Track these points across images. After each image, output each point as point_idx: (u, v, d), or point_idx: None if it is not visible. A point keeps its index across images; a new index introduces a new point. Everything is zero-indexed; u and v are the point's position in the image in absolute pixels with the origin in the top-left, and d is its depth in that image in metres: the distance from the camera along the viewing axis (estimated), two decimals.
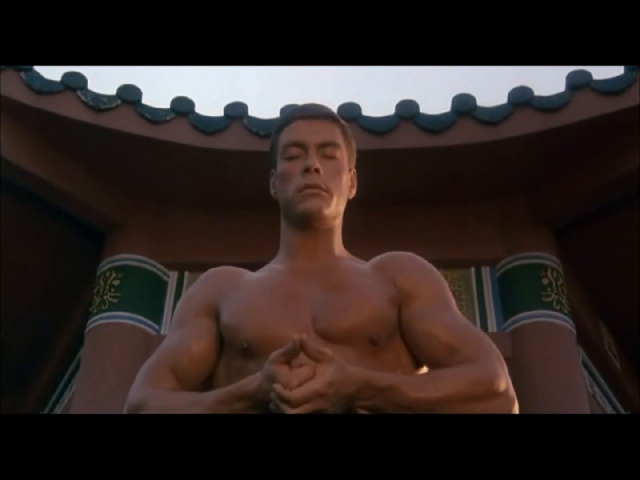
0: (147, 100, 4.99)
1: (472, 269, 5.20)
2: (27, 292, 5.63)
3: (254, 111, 5.05)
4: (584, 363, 5.27)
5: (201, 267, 5.38)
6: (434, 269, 1.84)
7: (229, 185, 5.15)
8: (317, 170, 1.79)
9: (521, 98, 4.91)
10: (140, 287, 5.11)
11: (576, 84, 4.84)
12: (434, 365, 1.67)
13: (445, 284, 1.83)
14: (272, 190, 1.93)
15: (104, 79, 5.13)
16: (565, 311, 5.00)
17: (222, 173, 5.07)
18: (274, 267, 1.85)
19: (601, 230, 5.28)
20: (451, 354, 1.63)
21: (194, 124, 4.96)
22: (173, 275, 5.24)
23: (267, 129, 4.83)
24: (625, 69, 4.77)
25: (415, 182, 5.12)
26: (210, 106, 5.16)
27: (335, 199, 1.82)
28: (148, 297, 5.10)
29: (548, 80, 5.16)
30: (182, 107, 5.01)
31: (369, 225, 4.95)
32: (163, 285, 5.19)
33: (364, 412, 1.53)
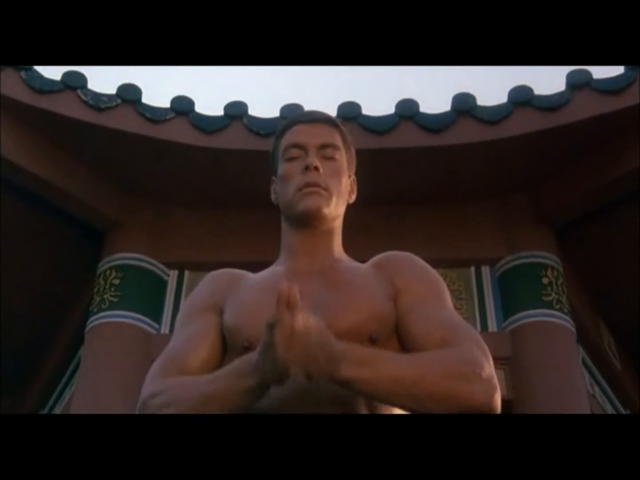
0: (147, 99, 4.99)
1: (472, 268, 5.20)
2: (27, 291, 5.63)
3: (254, 110, 5.06)
4: (584, 362, 5.27)
5: (201, 266, 5.46)
6: (432, 269, 1.85)
7: (229, 184, 5.15)
8: (316, 169, 1.81)
9: (521, 97, 4.91)
10: (140, 286, 5.12)
11: (576, 83, 4.84)
12: None
13: (443, 284, 1.83)
14: (272, 196, 1.94)
15: (104, 78, 5.14)
16: (566, 310, 5.00)
17: (222, 172, 5.07)
18: (275, 268, 1.87)
19: (601, 229, 5.28)
20: (438, 346, 1.63)
21: (194, 123, 4.96)
22: (173, 274, 5.24)
23: (267, 128, 4.84)
24: (625, 69, 4.77)
25: (415, 181, 5.12)
26: (210, 105, 5.17)
27: (334, 199, 1.84)
28: (148, 296, 5.11)
29: (548, 79, 5.16)
30: (182, 106, 5.01)
31: (368, 224, 4.95)
32: (163, 284, 5.19)
33: (346, 387, 1.53)
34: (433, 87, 11.91)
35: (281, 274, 1.81)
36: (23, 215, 5.19)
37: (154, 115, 4.92)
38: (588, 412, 4.62)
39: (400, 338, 1.71)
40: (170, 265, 5.25)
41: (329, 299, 1.71)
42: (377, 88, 11.63)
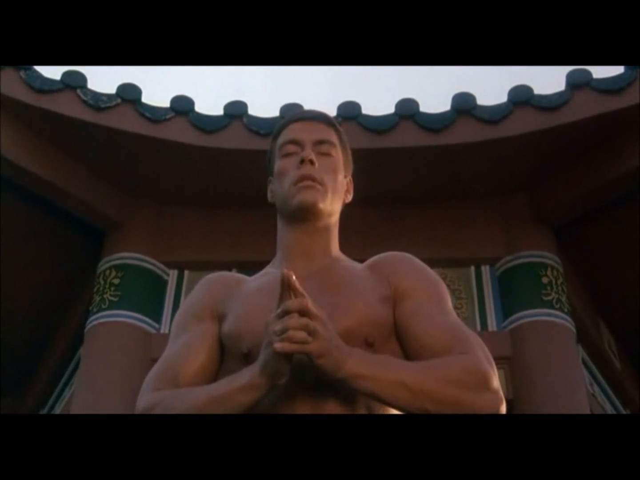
0: (147, 99, 5.00)
1: (472, 268, 5.20)
2: (27, 291, 5.63)
3: (254, 110, 5.07)
4: (583, 362, 5.27)
5: (201, 266, 5.46)
6: (430, 269, 1.84)
7: (229, 184, 5.16)
8: (312, 162, 1.81)
9: (521, 97, 4.92)
10: (140, 286, 5.12)
11: (576, 83, 4.84)
12: None
13: (442, 284, 1.82)
14: (269, 195, 1.94)
15: (103, 78, 5.14)
16: (565, 310, 5.00)
17: (222, 172, 5.07)
18: (271, 270, 1.85)
19: (601, 228, 5.28)
20: (444, 352, 1.63)
21: (193, 123, 4.96)
22: (173, 274, 5.24)
23: (267, 128, 4.84)
24: (625, 68, 4.77)
25: (415, 181, 5.12)
26: (210, 105, 5.17)
27: (330, 194, 1.83)
28: (148, 295, 5.11)
29: (548, 79, 5.18)
30: (182, 105, 5.01)
31: (368, 223, 4.95)
32: (163, 283, 5.19)
33: (351, 383, 1.53)
34: (433, 87, 11.91)
35: (278, 277, 1.80)
36: (23, 215, 5.19)
37: (153, 115, 4.92)
38: (588, 412, 4.62)
39: (402, 342, 1.71)
40: (170, 265, 5.25)
41: (326, 303, 1.68)
42: (377, 88, 11.63)
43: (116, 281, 5.10)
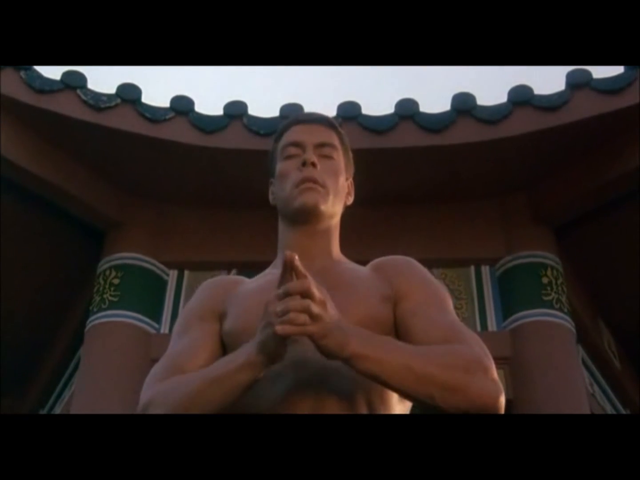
0: (147, 99, 5.00)
1: (472, 268, 5.20)
2: (27, 291, 5.63)
3: (254, 110, 5.07)
4: (583, 362, 5.27)
5: (201, 266, 5.46)
6: (430, 274, 1.85)
7: (229, 184, 5.16)
8: (313, 165, 1.82)
9: (521, 97, 4.92)
10: (140, 286, 5.12)
11: (576, 83, 4.84)
12: None
13: (443, 287, 1.83)
14: (270, 197, 1.94)
15: (103, 78, 5.14)
16: (565, 310, 5.00)
17: (222, 172, 5.07)
18: (272, 271, 1.86)
19: (601, 228, 5.28)
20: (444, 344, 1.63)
21: (193, 123, 4.96)
22: (173, 274, 5.24)
23: (267, 128, 4.84)
24: (625, 68, 4.77)
25: (415, 181, 5.12)
26: (210, 105, 5.17)
27: (331, 196, 1.84)
28: (148, 295, 5.11)
29: (548, 79, 5.18)
30: (182, 105, 5.01)
31: (368, 224, 4.95)
32: (163, 283, 5.19)
33: (354, 364, 1.52)
34: (433, 87, 11.91)
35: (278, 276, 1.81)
36: (23, 215, 5.19)
37: (153, 115, 4.92)
38: (588, 412, 4.63)
39: (402, 341, 1.71)
40: (170, 265, 5.25)
41: None
42: (377, 88, 11.64)
43: (116, 281, 5.10)
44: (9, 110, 4.72)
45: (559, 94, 4.87)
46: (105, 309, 5.01)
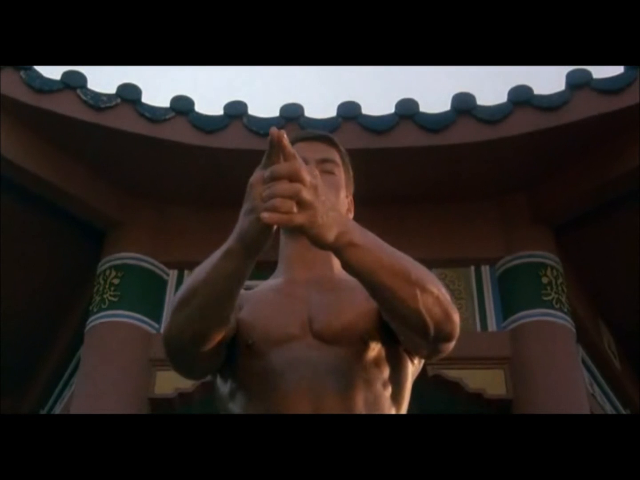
0: (147, 99, 5.00)
1: (472, 268, 5.20)
2: (27, 291, 5.63)
3: (254, 110, 5.07)
4: (583, 362, 5.27)
5: None
6: None
7: (229, 184, 5.14)
8: None
9: (521, 97, 4.92)
10: (140, 286, 5.12)
11: (576, 83, 4.85)
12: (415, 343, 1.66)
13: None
14: None
15: (103, 78, 5.14)
16: (565, 310, 5.00)
17: (222, 172, 5.07)
18: (273, 281, 1.87)
19: (601, 228, 5.28)
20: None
21: (193, 123, 4.96)
22: (173, 274, 5.24)
23: (266, 128, 4.82)
24: (625, 69, 4.77)
25: (415, 181, 5.12)
26: (210, 105, 5.18)
27: None
28: (148, 295, 5.11)
29: (548, 79, 5.16)
30: (182, 105, 5.01)
31: (368, 223, 4.92)
32: (163, 283, 5.19)
33: (344, 251, 1.45)
34: (433, 87, 11.92)
35: (280, 282, 1.82)
36: (22, 214, 5.19)
37: (153, 115, 4.92)
38: (588, 412, 4.62)
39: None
40: (170, 265, 5.25)
41: (324, 302, 1.73)
42: (377, 88, 11.64)
43: (116, 281, 5.10)
44: (9, 110, 4.72)
45: (559, 94, 4.87)
46: (105, 309, 5.01)
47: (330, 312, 1.70)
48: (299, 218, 1.34)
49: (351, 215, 1.99)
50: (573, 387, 4.74)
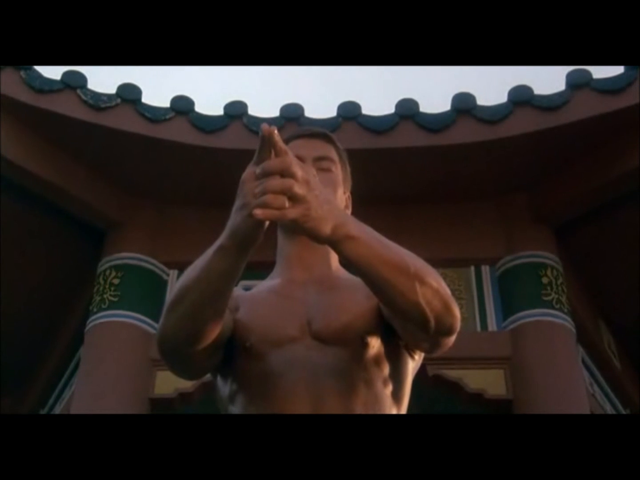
0: (147, 99, 5.00)
1: (472, 268, 5.20)
2: (27, 291, 5.63)
3: (254, 110, 5.07)
4: (583, 362, 5.27)
5: None
6: None
7: (229, 184, 5.07)
8: None
9: (521, 97, 4.92)
10: (140, 286, 5.12)
11: (576, 83, 4.85)
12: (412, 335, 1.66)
13: None
14: None
15: (103, 78, 5.14)
16: (565, 310, 5.00)
17: (222, 172, 5.06)
18: (271, 281, 1.86)
19: (601, 229, 5.28)
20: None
21: (193, 123, 4.96)
22: (173, 274, 5.24)
23: None
24: (625, 69, 4.77)
25: (415, 181, 5.12)
26: (210, 105, 5.17)
27: None
28: (148, 295, 5.11)
29: (548, 79, 5.17)
30: (182, 106, 5.01)
31: (368, 223, 4.93)
32: (163, 283, 5.19)
33: (340, 244, 1.45)
34: (433, 87, 11.92)
35: (279, 283, 1.81)
36: (22, 214, 5.19)
37: (153, 115, 4.92)
38: (588, 412, 4.62)
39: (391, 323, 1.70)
40: (170, 265, 5.25)
41: (322, 303, 1.72)
42: (377, 88, 11.64)
43: (116, 281, 5.10)
44: (9, 110, 4.72)
45: (559, 94, 4.87)
46: (105, 309, 5.01)
47: (328, 312, 1.69)
48: (292, 213, 1.34)
49: (349, 212, 1.98)
50: (573, 387, 4.74)
